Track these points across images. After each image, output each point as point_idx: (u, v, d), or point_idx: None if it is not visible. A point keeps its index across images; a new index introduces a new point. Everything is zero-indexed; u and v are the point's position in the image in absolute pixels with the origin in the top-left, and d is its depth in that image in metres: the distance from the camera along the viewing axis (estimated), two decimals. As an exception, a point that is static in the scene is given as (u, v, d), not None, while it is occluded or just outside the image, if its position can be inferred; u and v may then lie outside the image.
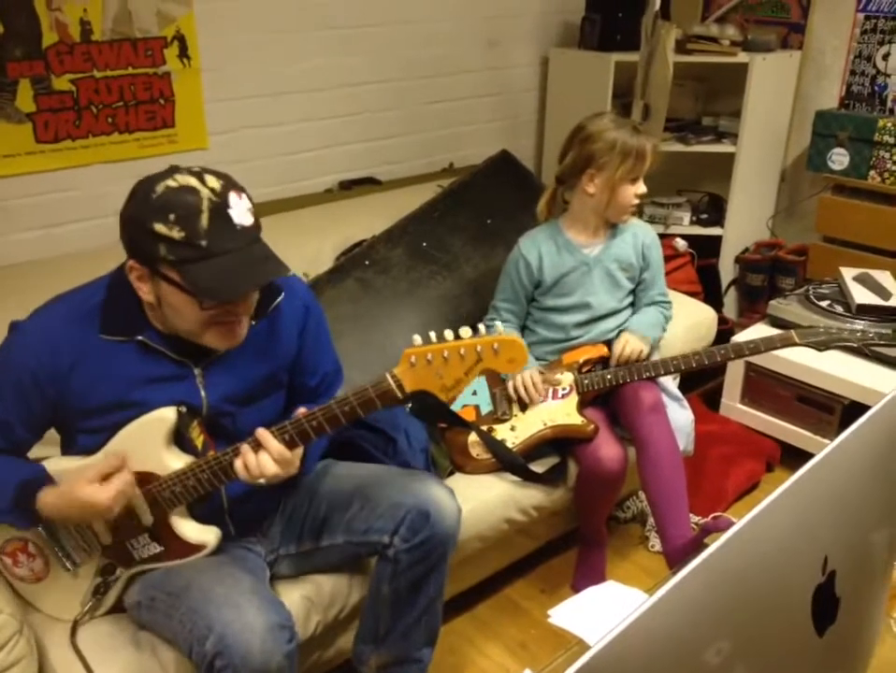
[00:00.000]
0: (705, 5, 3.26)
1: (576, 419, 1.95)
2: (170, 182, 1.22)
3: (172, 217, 1.19)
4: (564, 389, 2.00)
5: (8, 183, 1.98)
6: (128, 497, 1.33)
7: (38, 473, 1.36)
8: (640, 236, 2.11)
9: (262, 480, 1.33)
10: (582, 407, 1.99)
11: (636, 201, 2.00)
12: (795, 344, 1.92)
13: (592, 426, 1.93)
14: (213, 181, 1.23)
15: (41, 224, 2.07)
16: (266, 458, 1.31)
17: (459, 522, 1.52)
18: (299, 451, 1.35)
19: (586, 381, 2.00)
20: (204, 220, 1.20)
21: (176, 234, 1.20)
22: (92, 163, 2.11)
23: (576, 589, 2.11)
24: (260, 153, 2.40)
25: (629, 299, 2.14)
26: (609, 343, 2.07)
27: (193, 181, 1.22)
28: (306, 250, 2.23)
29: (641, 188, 1.99)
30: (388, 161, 2.75)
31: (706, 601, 0.68)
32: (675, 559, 1.93)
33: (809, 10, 3.02)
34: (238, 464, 1.32)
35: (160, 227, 1.20)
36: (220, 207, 1.21)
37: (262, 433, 1.31)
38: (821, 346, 1.91)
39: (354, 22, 2.52)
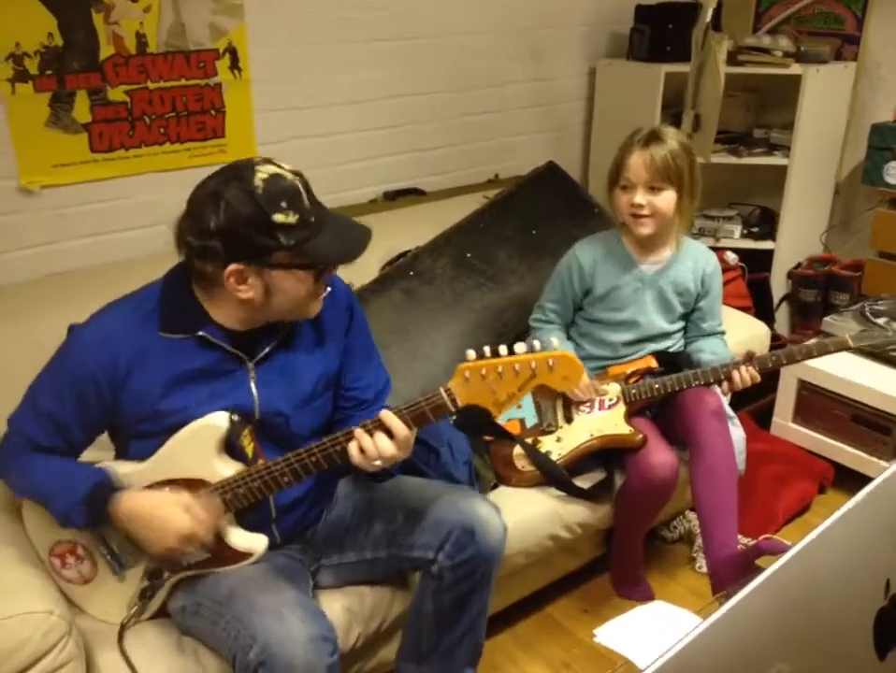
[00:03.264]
0: (757, 16, 3.24)
1: (624, 428, 1.94)
2: (260, 175, 1.27)
3: (284, 204, 1.26)
4: (611, 399, 1.99)
5: (65, 191, 2.05)
6: (190, 545, 1.36)
7: (108, 476, 1.40)
8: (702, 264, 2.07)
9: (377, 463, 1.34)
10: (629, 417, 1.97)
11: (630, 210, 1.95)
12: (849, 348, 1.89)
13: (641, 436, 1.91)
14: (286, 165, 1.32)
15: (95, 232, 2.13)
16: (384, 440, 1.32)
17: (504, 539, 1.52)
18: (413, 434, 1.36)
19: (633, 391, 1.99)
20: (305, 199, 1.29)
21: (292, 218, 1.26)
22: (144, 172, 2.16)
23: (621, 594, 2.12)
24: (307, 163, 2.39)
25: (681, 324, 2.12)
26: (658, 356, 2.06)
27: (275, 168, 1.30)
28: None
29: (635, 197, 1.92)
30: (433, 171, 2.78)
31: (764, 623, 0.68)
32: (719, 572, 1.91)
33: (864, 22, 2.98)
34: (352, 447, 1.33)
35: (279, 217, 1.26)
36: (306, 185, 1.31)
37: (387, 414, 1.33)
38: (877, 349, 1.88)
39: (400, 34, 2.56)
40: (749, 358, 1.91)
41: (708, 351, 2.07)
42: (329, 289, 1.42)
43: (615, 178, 1.96)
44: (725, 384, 1.93)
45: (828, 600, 0.74)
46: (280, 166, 1.31)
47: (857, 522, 0.76)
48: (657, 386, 1.97)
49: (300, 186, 1.29)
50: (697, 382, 1.95)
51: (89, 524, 1.40)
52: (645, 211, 1.93)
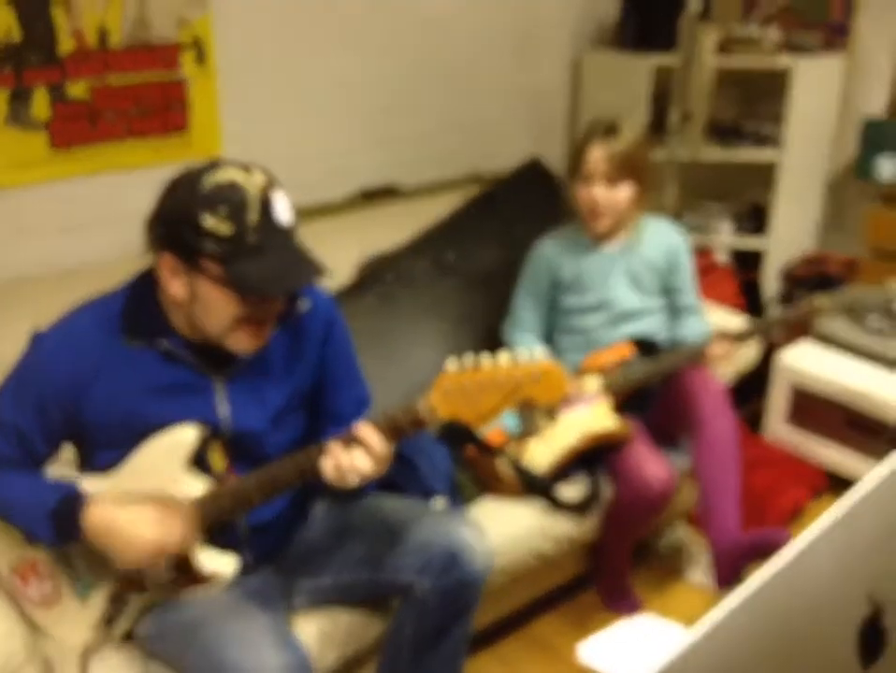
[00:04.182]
0: (746, 6, 3.28)
1: (611, 423, 1.96)
2: (217, 176, 1.26)
3: (222, 211, 1.23)
4: (593, 394, 2.01)
5: (24, 191, 2.03)
6: (162, 555, 1.35)
7: (76, 490, 1.38)
8: (668, 238, 2.16)
9: (354, 478, 1.31)
10: (614, 410, 2.00)
11: (589, 205, 2.03)
12: (822, 308, 2.04)
13: (629, 428, 1.95)
14: (259, 177, 1.28)
15: (56, 233, 2.10)
16: (360, 455, 1.29)
17: (490, 565, 1.52)
18: (391, 448, 1.33)
19: (615, 383, 2.02)
20: (253, 215, 1.24)
21: (225, 228, 1.23)
22: (106, 169, 2.15)
23: (608, 606, 2.15)
24: (277, 160, 2.41)
25: (658, 301, 2.17)
26: (632, 342, 2.10)
27: (239, 176, 1.26)
28: (326, 261, 2.25)
29: (594, 191, 2.01)
30: (412, 168, 2.76)
31: (747, 635, 0.70)
32: (721, 560, 1.97)
33: (854, 13, 3.03)
34: (327, 463, 1.31)
35: (210, 221, 1.23)
36: (266, 204, 1.26)
37: (364, 428, 1.30)
38: (846, 307, 2.01)
39: (377, 27, 2.55)
40: (724, 333, 2.00)
41: (686, 330, 2.15)
42: (267, 335, 1.38)
43: (575, 170, 2.05)
44: (708, 362, 2.02)
45: (811, 611, 0.76)
46: (251, 178, 1.26)
47: (840, 530, 0.77)
48: (638, 375, 2.02)
49: (256, 202, 1.24)
50: (678, 364, 2.01)
51: (57, 540, 1.38)
52: (603, 208, 2.02)
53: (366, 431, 1.30)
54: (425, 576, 1.47)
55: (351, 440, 1.31)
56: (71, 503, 1.35)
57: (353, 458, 1.30)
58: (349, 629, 1.62)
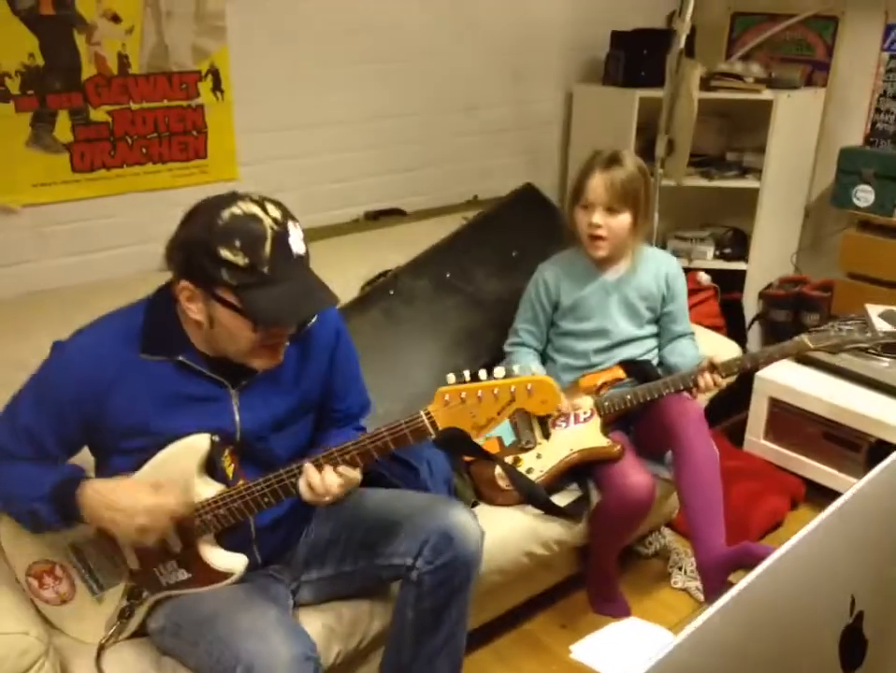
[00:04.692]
0: (730, 42, 3.31)
1: (602, 441, 1.97)
2: (235, 209, 1.27)
3: (238, 243, 1.24)
4: (585, 413, 2.02)
5: (46, 210, 2.04)
6: (160, 521, 1.35)
7: (75, 470, 1.39)
8: (664, 267, 2.14)
9: (328, 498, 1.36)
10: (604, 429, 2.01)
11: (589, 231, 2.02)
12: (808, 349, 1.98)
13: (618, 447, 1.95)
14: (274, 210, 1.29)
15: (76, 251, 2.12)
16: (332, 476, 1.35)
17: (482, 545, 1.53)
18: (358, 471, 1.38)
19: (606, 403, 2.03)
20: (267, 248, 1.25)
21: (241, 260, 1.24)
22: (125, 192, 2.16)
23: (597, 610, 2.14)
24: (289, 184, 2.45)
25: (652, 328, 2.17)
26: (624, 365, 2.10)
27: (256, 210, 1.27)
28: (332, 279, 2.23)
29: (593, 217, 2.00)
30: (414, 192, 2.80)
31: (732, 641, 0.69)
32: (709, 574, 1.96)
33: (834, 49, 3.05)
34: (302, 483, 1.36)
35: (226, 253, 1.24)
36: (281, 237, 1.27)
37: (309, 468, 1.36)
38: (834, 349, 1.96)
39: (382, 57, 2.59)
40: (713, 365, 1.96)
41: (677, 354, 2.13)
42: (282, 353, 1.39)
43: (576, 197, 2.04)
44: (693, 390, 2.00)
45: (795, 618, 0.75)
46: (266, 212, 1.27)
47: (823, 539, 0.77)
48: (628, 397, 2.02)
49: (270, 235, 1.25)
50: (667, 391, 2.00)
51: (59, 520, 1.37)
52: (602, 232, 2.01)
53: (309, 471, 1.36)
54: (420, 557, 1.48)
55: (322, 462, 1.35)
56: (69, 482, 1.35)
57: (324, 478, 1.35)
58: (353, 623, 1.62)
